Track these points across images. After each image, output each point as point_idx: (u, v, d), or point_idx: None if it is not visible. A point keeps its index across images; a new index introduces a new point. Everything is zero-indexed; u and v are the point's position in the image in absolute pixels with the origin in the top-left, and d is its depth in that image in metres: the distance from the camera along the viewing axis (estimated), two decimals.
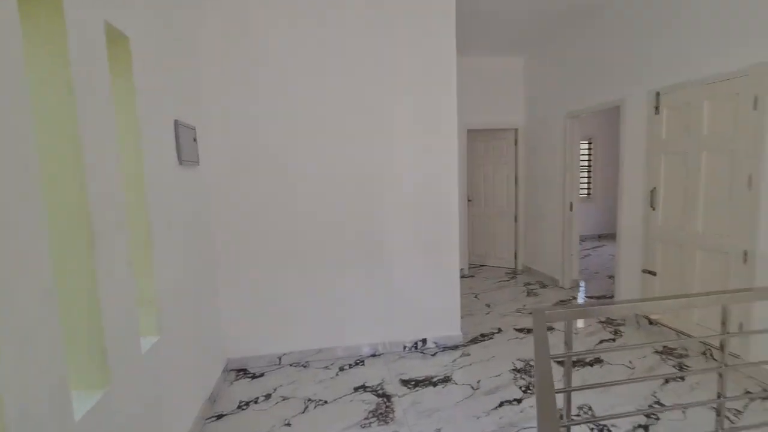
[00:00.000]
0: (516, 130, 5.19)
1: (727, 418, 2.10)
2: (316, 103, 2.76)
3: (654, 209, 3.17)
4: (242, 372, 2.77)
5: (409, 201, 2.95)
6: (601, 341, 3.13)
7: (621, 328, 3.33)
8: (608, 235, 7.50)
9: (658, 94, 3.08)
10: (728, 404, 2.21)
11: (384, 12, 2.79)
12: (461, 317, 3.19)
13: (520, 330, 3.36)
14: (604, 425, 2.10)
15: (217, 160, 2.66)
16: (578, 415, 2.19)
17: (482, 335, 3.28)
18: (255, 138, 2.71)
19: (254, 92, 2.68)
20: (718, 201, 2.68)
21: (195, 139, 2.24)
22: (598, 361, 2.81)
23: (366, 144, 2.86)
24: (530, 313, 3.74)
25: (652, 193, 3.17)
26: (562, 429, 1.59)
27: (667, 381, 2.51)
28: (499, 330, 3.36)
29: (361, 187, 2.87)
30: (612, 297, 4.09)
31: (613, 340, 3.14)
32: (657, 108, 3.09)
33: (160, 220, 1.75)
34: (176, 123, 1.98)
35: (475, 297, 4.28)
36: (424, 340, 3.06)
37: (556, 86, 4.45)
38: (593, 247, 6.74)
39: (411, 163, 2.93)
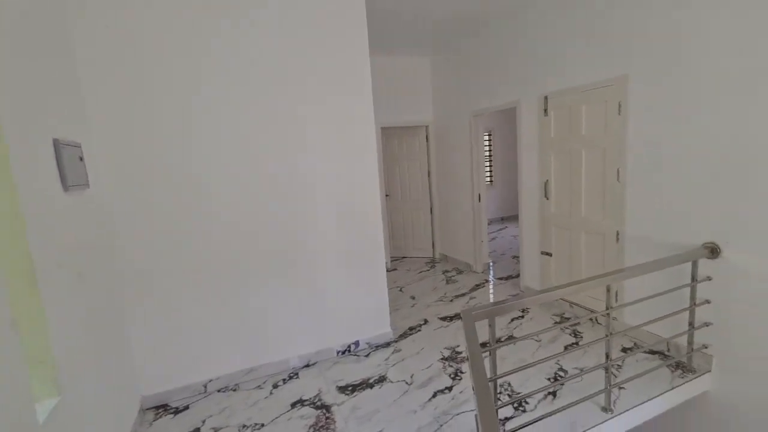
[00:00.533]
0: (426, 127, 5.45)
1: (613, 374, 2.53)
2: (224, 107, 2.56)
3: (548, 199, 3.62)
4: (162, 408, 2.52)
5: (331, 204, 2.92)
6: (512, 319, 3.51)
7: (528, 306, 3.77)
8: (510, 218, 8.37)
9: (546, 98, 3.49)
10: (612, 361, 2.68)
11: (295, 13, 2.68)
12: (390, 313, 3.30)
13: (443, 319, 3.60)
14: (522, 398, 2.39)
15: (112, 179, 2.32)
16: (500, 393, 2.45)
17: (410, 328, 3.44)
18: (155, 150, 2.42)
19: (151, 99, 2.38)
20: (595, 191, 3.16)
21: (81, 158, 1.93)
22: (511, 338, 3.15)
23: (280, 149, 2.73)
24: (451, 301, 4.03)
25: (546, 184, 3.61)
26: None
27: (566, 348, 2.93)
28: (425, 321, 3.57)
29: (278, 193, 2.76)
30: (518, 276, 4.60)
31: (522, 317, 3.55)
32: (546, 110, 3.51)
33: (46, 260, 1.48)
34: (56, 142, 1.68)
35: (400, 290, 4.46)
36: (356, 343, 3.11)
37: (461, 87, 4.76)
38: (498, 230, 7.46)
39: (330, 165, 2.89)
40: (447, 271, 5.04)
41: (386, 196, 5.72)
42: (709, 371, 2.52)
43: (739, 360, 2.39)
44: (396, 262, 5.66)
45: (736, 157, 2.26)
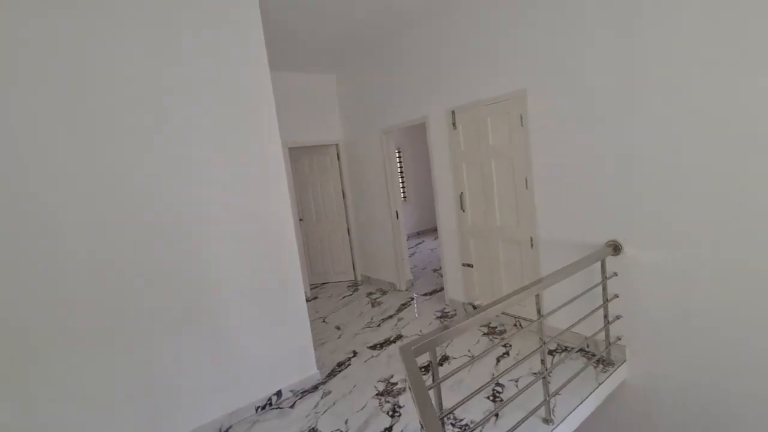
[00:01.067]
0: (337, 145, 5.26)
1: (547, 380, 2.54)
2: (100, 128, 2.03)
3: (464, 211, 3.66)
4: None
5: (235, 238, 2.51)
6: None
7: (455, 318, 3.72)
8: (426, 231, 8.55)
9: (453, 112, 3.55)
10: (537, 361, 2.70)
11: (172, 21, 2.28)
12: (315, 349, 2.95)
13: (373, 347, 3.35)
14: (466, 425, 2.24)
15: None
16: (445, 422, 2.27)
17: (339, 364, 3.12)
18: None
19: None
20: (508, 200, 3.26)
21: None
22: (446, 359, 3.04)
23: (162, 183, 2.26)
24: (379, 326, 3.81)
25: (461, 197, 3.65)
26: None
27: (498, 360, 2.90)
28: (355, 353, 3.28)
29: (170, 233, 2.27)
30: (442, 290, 4.58)
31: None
32: (454, 124, 3.57)
33: None
34: None
35: (324, 321, 4.11)
36: (278, 393, 2.69)
37: (368, 103, 4.69)
38: (416, 245, 7.53)
39: (230, 195, 2.49)
40: (371, 293, 4.83)
41: (300, 220, 5.35)
42: (625, 361, 2.68)
43: (646, 345, 2.57)
44: (316, 289, 5.28)
45: (625, 163, 2.47)
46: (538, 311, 2.21)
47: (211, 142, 2.41)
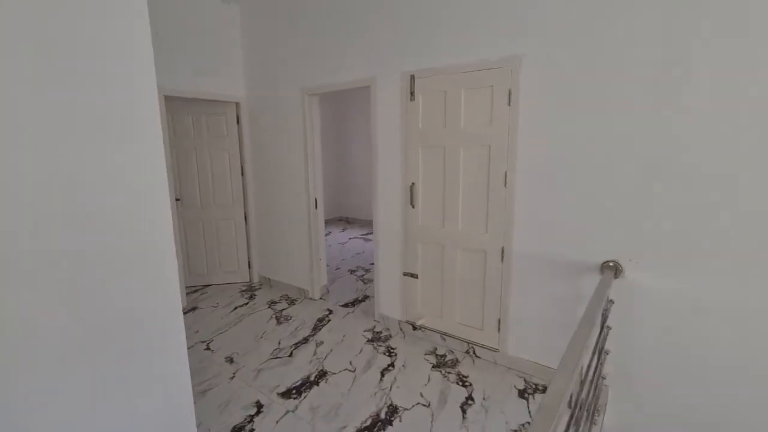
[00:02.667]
0: (237, 104, 3.94)
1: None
2: None
3: (413, 207, 2.87)
4: None
5: (47, 229, 1.25)
6: (384, 369, 2.59)
7: (391, 342, 2.94)
8: (333, 221, 7.59)
9: (413, 77, 2.70)
10: (511, 409, 2.10)
11: None
12: (194, 399, 1.81)
13: (287, 394, 2.35)
14: None
15: None
16: None
17: (235, 429, 2.05)
18: None
19: None
20: (477, 198, 2.57)
21: None
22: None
23: None
24: (291, 355, 2.79)
25: (412, 189, 2.85)
26: None
27: (463, 408, 2.21)
28: (259, 408, 2.22)
29: None
30: (365, 299, 3.75)
31: (391, 362, 2.67)
32: (412, 93, 2.72)
33: None
34: None
35: (207, 348, 2.90)
36: None
37: (289, 52, 3.52)
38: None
39: (54, 160, 1.22)
40: (274, 303, 3.73)
41: (177, 200, 3.90)
42: (605, 403, 2.24)
43: (634, 389, 2.16)
44: (195, 295, 3.93)
45: (647, 166, 1.96)
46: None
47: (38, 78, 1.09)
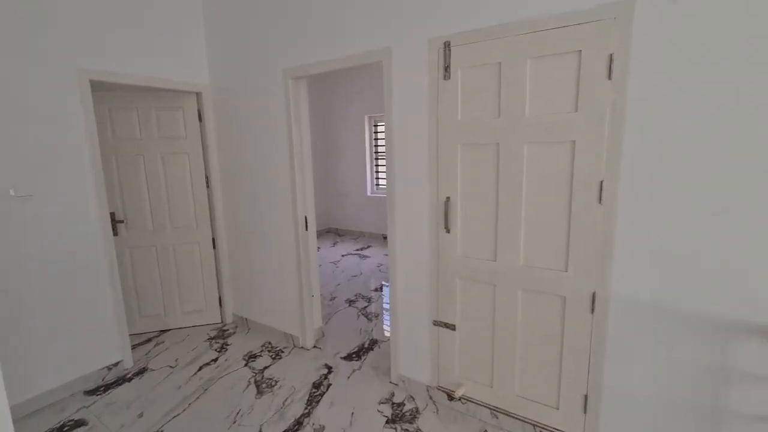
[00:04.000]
0: (198, 94, 3.02)
1: None
2: None
3: (449, 231, 2.02)
4: None
5: None
6: None
7: (421, 423, 2.08)
8: (322, 233, 6.66)
9: (447, 45, 1.87)
10: None
11: None
12: None
13: None
14: None
15: None
16: None
17: None
18: None
19: None
20: (550, 219, 1.75)
21: None
22: None
23: None
24: None
25: (446, 204, 2.00)
26: None
27: None
28: None
29: None
30: (373, 347, 2.88)
31: None
32: (447, 69, 1.89)
33: None
34: None
35: None
36: None
37: (267, 23, 2.63)
38: None
39: None
40: (253, 357, 2.81)
41: (119, 222, 2.94)
42: None
43: None
44: (146, 348, 2.96)
45: None
46: None
47: None
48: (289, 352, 2.84)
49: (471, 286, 2.02)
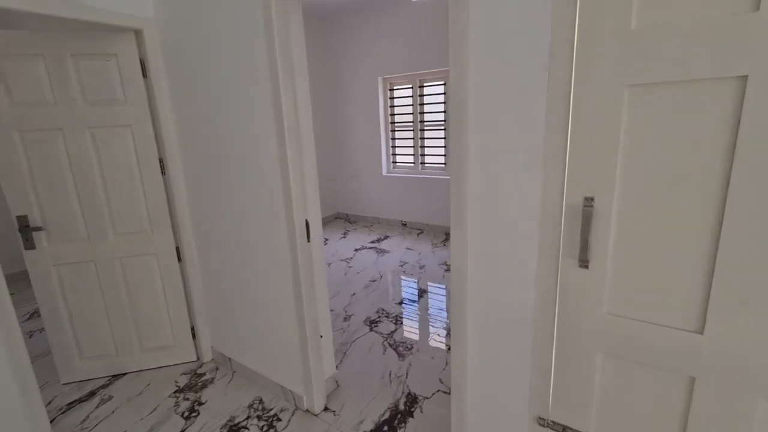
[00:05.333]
0: (138, 32, 1.97)
1: None
2: None
3: (588, 264, 1.02)
4: None
5: None
6: None
7: None
8: (330, 220, 5.69)
9: None
10: None
11: None
12: None
13: None
14: None
15: None
16: None
17: None
18: None
19: None
20: None
21: None
22: None
23: None
24: None
25: (587, 213, 0.99)
26: None
27: None
28: None
29: None
30: (413, 405, 1.94)
31: None
32: None
33: None
34: None
35: None
36: None
37: None
38: None
39: None
40: (237, 427, 1.90)
41: (34, 230, 1.98)
42: None
43: None
44: (79, 410, 2.06)
45: None
46: None
47: None
48: (289, 420, 1.91)
49: (631, 371, 1.03)
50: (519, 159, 1.08)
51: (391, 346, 2.51)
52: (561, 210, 1.03)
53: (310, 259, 1.81)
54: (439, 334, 2.62)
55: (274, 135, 1.67)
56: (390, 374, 2.23)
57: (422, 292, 3.31)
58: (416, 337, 2.60)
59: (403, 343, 2.54)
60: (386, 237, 4.92)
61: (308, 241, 1.79)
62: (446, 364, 2.30)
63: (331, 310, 2.96)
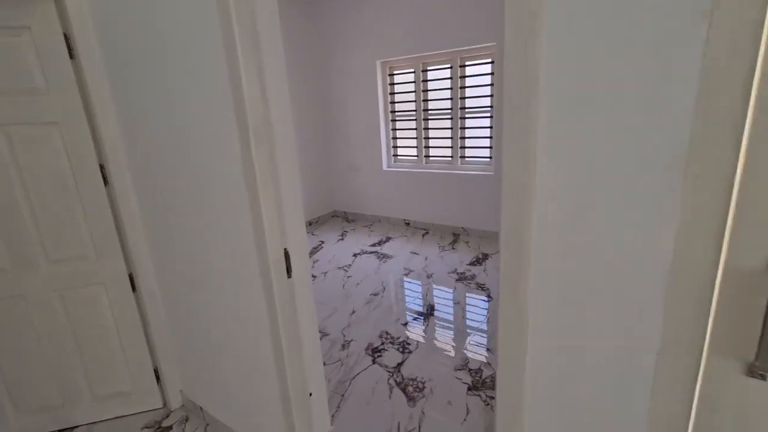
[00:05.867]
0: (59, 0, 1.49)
1: None
2: None
3: (762, 378, 0.57)
4: None
5: None
6: None
7: None
8: (326, 219, 5.22)
9: None
10: None
11: None
12: None
13: None
14: None
15: None
16: None
17: None
18: None
19: None
20: None
21: None
22: None
23: None
24: None
25: None
26: None
27: None
28: None
29: None
30: None
31: None
32: None
33: None
34: None
35: None
36: None
37: None
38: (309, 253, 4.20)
39: None
40: None
41: None
42: None
43: None
44: None
45: None
46: None
47: None
48: None
49: None
50: (628, 177, 0.62)
51: (398, 384, 2.09)
52: (715, 274, 0.58)
53: (293, 301, 1.36)
54: (455, 367, 2.20)
55: (236, 134, 1.21)
56: (399, 428, 1.80)
57: (431, 309, 2.87)
58: (428, 373, 2.17)
59: (412, 380, 2.11)
60: (388, 239, 4.47)
61: (289, 277, 1.33)
62: (467, 412, 1.87)
63: (327, 335, 2.53)
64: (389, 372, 2.19)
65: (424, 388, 2.05)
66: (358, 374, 2.19)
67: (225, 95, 1.18)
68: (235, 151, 1.22)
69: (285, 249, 1.32)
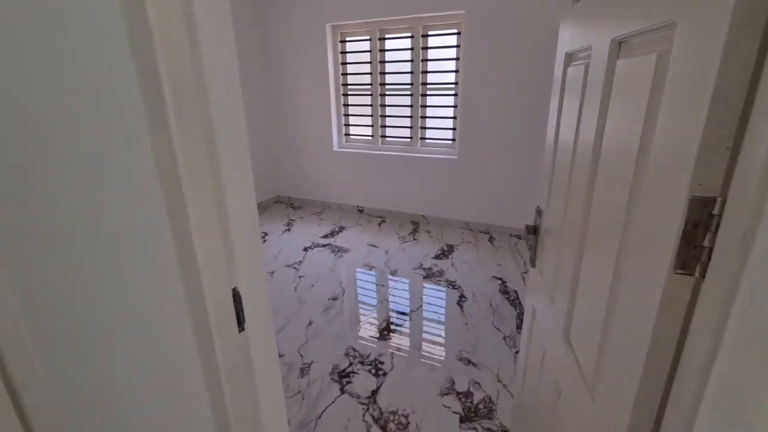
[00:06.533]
0: None
1: None
2: None
3: None
4: None
5: None
6: None
7: None
8: (268, 205, 4.58)
9: None
10: None
11: None
12: None
13: None
14: None
15: None
16: None
17: None
18: None
19: None
20: None
21: None
22: None
23: None
24: None
25: None
26: None
27: None
28: None
29: None
30: None
31: None
32: None
33: None
34: None
35: None
36: None
37: None
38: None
39: None
40: None
41: None
42: None
43: None
44: None
45: None
46: None
47: None
48: None
49: None
50: None
51: (376, 421, 1.71)
52: None
53: (248, 366, 0.88)
54: (440, 392, 1.87)
55: (140, 100, 0.67)
56: None
57: (402, 315, 2.52)
58: (410, 401, 1.82)
59: (393, 414, 1.75)
60: (342, 229, 4.02)
61: (241, 330, 0.85)
62: None
63: (281, 356, 2.06)
64: (363, 404, 1.80)
65: (408, 423, 1.70)
66: (324, 410, 1.77)
67: (115, 23, 0.64)
68: (140, 129, 0.69)
69: (234, 288, 0.83)
